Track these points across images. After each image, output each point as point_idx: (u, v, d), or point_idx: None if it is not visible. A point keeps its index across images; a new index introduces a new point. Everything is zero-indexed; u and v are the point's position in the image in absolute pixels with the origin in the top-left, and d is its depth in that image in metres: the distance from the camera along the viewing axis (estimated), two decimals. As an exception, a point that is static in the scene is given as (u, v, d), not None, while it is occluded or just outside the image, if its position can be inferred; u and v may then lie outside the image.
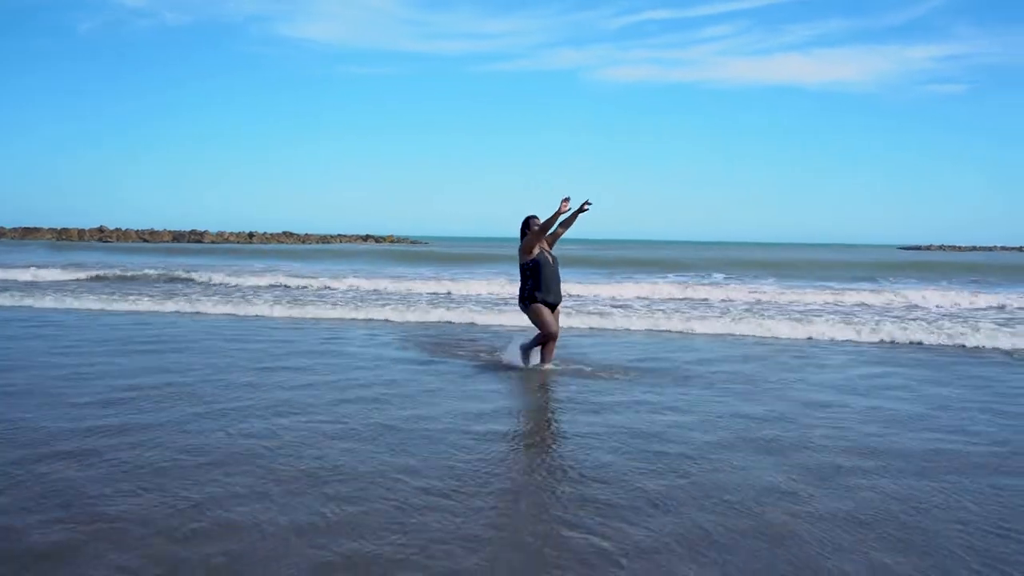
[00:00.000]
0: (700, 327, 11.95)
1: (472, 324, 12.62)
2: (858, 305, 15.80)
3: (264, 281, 20.45)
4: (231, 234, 73.16)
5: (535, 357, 8.19)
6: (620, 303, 15.90)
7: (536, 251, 8.03)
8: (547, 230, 7.93)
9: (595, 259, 35.28)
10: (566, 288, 12.80)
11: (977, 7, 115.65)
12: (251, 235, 74.58)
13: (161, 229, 71.16)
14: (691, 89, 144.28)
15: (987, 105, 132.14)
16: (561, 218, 7.95)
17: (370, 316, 13.36)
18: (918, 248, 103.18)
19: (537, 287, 7.98)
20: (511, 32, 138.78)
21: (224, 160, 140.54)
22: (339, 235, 79.70)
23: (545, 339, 8.09)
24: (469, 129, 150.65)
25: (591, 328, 12.12)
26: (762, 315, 13.25)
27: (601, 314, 13.17)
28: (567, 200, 7.78)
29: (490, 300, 16.25)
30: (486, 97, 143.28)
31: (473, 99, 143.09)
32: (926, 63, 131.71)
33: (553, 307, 8.08)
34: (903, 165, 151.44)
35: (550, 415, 6.14)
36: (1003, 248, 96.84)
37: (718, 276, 26.57)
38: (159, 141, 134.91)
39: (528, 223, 8.20)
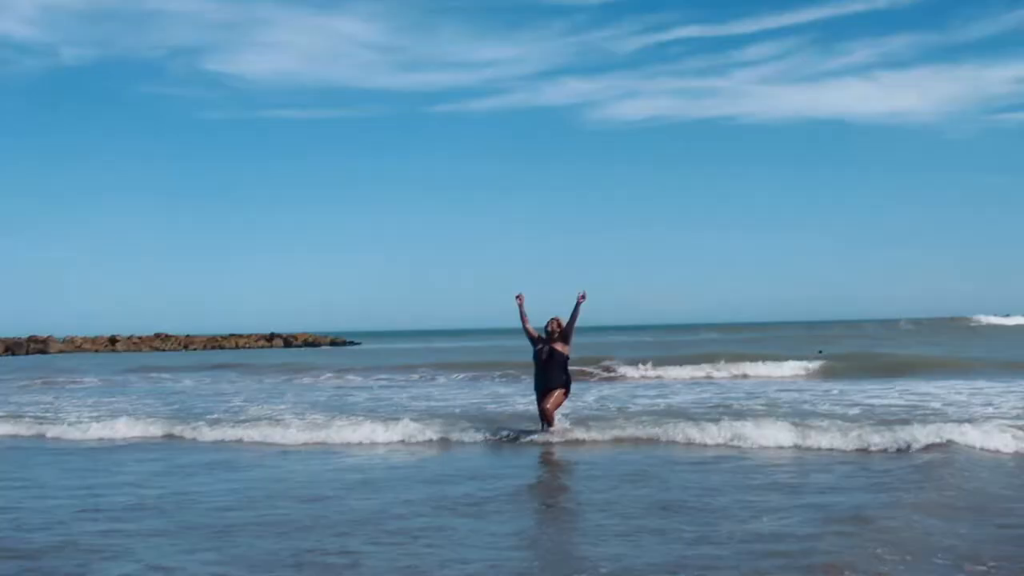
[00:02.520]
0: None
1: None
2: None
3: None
4: (83, 339, 58.03)
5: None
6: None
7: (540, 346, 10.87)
8: (528, 333, 11.04)
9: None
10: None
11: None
12: (113, 339, 59.58)
13: (-4, 337, 55.88)
14: (719, 125, 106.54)
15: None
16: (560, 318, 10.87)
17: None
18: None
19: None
20: (505, 60, 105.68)
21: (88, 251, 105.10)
22: (233, 335, 64.36)
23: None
24: (434, 193, 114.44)
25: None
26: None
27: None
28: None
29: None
30: (457, 149, 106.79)
31: (438, 153, 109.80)
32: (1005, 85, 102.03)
33: (542, 394, 10.81)
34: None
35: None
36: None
37: None
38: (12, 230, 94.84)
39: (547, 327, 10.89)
